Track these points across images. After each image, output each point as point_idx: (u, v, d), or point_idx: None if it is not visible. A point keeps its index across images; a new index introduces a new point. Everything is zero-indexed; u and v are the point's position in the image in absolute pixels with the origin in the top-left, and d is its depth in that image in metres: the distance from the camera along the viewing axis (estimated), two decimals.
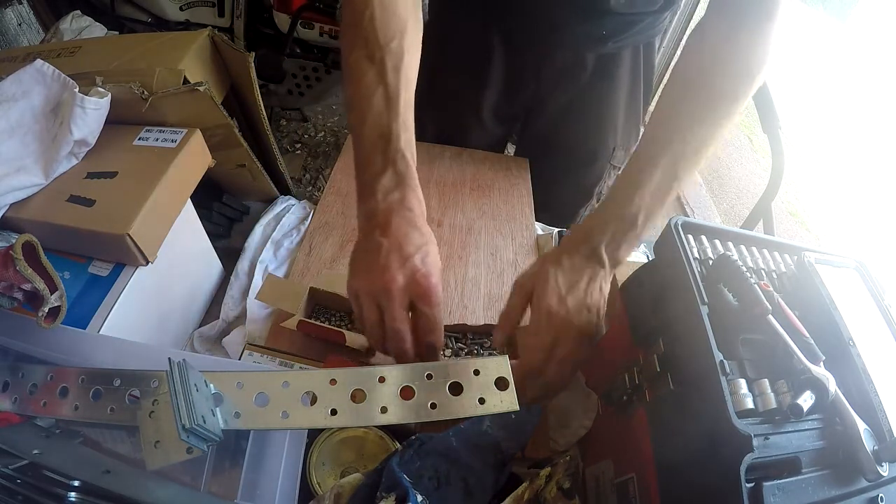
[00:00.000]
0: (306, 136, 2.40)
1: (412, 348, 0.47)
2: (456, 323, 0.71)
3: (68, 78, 0.62)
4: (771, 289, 0.45)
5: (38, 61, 0.62)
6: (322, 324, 0.67)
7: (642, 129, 0.96)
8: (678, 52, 2.68)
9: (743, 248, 0.53)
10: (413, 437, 0.48)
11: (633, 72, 0.89)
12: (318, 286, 0.68)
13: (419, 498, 0.42)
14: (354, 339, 0.63)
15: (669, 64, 2.87)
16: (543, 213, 0.97)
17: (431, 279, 0.47)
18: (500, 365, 0.44)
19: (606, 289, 0.52)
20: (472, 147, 1.03)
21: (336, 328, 0.66)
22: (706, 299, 0.44)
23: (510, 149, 1.16)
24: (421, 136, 1.02)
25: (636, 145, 0.52)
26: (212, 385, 0.41)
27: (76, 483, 0.35)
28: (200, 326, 0.74)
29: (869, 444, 0.39)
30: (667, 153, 0.51)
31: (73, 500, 0.35)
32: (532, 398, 0.50)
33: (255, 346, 0.64)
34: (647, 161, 0.51)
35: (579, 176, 1.02)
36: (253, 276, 0.78)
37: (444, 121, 1.02)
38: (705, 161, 0.52)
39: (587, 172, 1.02)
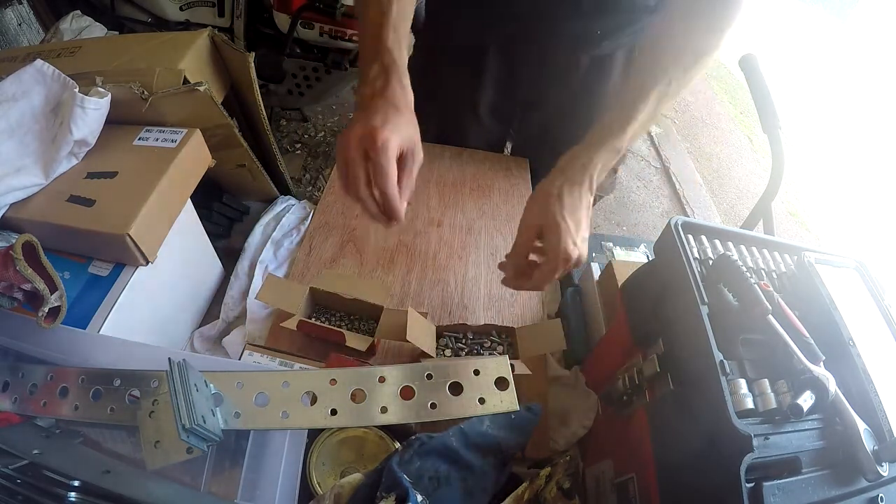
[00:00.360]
0: (306, 136, 2.40)
1: (396, 192, 0.51)
2: (456, 323, 0.71)
3: (68, 78, 0.62)
4: (771, 289, 0.45)
5: (38, 61, 0.62)
6: (322, 324, 0.67)
7: None
8: None
9: (743, 248, 0.53)
10: (413, 437, 0.47)
11: (626, 73, 0.89)
12: (318, 286, 0.68)
13: (419, 498, 0.42)
14: (354, 339, 0.63)
15: None
16: None
17: (385, 132, 0.50)
18: (500, 365, 0.44)
19: (589, 196, 0.58)
20: (471, 145, 1.04)
21: (336, 328, 0.66)
22: (706, 299, 0.44)
23: (508, 148, 1.16)
24: (422, 135, 1.03)
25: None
26: (212, 385, 0.41)
27: (76, 483, 0.35)
28: (200, 326, 0.74)
29: (869, 444, 0.39)
30: (655, 91, 0.56)
31: (73, 500, 0.35)
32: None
33: (255, 346, 0.64)
34: (637, 97, 0.56)
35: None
36: (253, 276, 0.78)
37: (443, 119, 1.02)
38: (681, 94, 0.59)
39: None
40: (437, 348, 0.66)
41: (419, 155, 0.56)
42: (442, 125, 1.03)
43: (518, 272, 0.58)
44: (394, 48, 0.56)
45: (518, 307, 0.78)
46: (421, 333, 0.62)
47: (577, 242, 0.54)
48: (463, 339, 0.69)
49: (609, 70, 0.87)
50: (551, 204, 0.55)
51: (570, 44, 0.83)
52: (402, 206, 0.52)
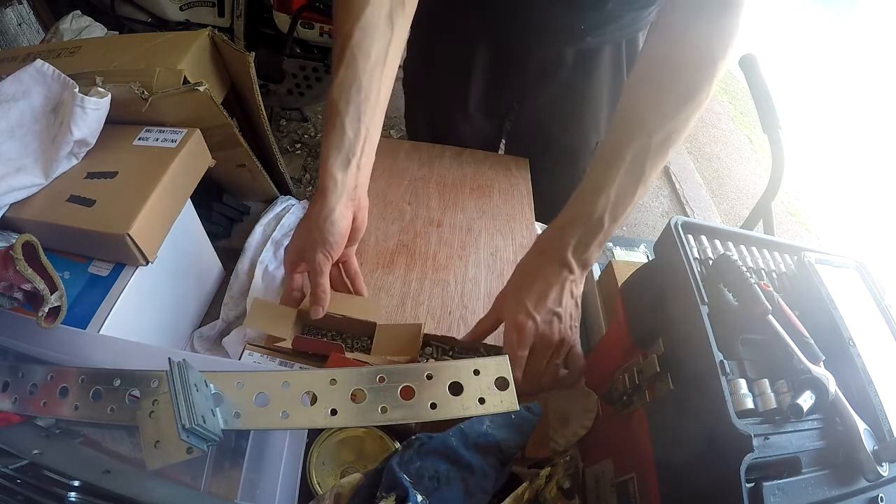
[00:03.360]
0: (306, 136, 2.40)
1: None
2: (444, 335, 0.69)
3: (68, 78, 0.62)
4: (771, 289, 0.45)
5: (38, 61, 0.62)
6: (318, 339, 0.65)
7: None
8: None
9: (743, 248, 0.53)
10: (413, 437, 0.47)
11: (614, 68, 0.89)
12: (306, 307, 0.67)
13: (419, 498, 0.42)
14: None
15: None
16: None
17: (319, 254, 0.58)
18: (501, 365, 0.44)
19: (578, 291, 0.53)
20: (464, 143, 1.04)
21: (333, 341, 0.65)
22: (706, 299, 0.44)
23: (503, 146, 1.17)
24: (414, 133, 1.03)
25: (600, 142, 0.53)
26: (212, 385, 0.41)
27: (76, 483, 0.35)
28: (200, 326, 0.74)
29: (869, 444, 0.39)
30: (630, 149, 0.50)
31: (73, 500, 0.35)
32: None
33: (255, 345, 0.64)
34: (611, 159, 0.51)
35: (564, 172, 1.03)
36: (253, 276, 0.78)
37: (435, 118, 1.03)
38: (673, 152, 0.52)
39: (571, 168, 1.02)
40: (421, 356, 0.66)
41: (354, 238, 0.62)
42: (434, 124, 1.03)
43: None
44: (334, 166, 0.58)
45: None
46: (392, 344, 0.62)
47: (535, 315, 0.50)
48: (450, 350, 0.69)
49: (595, 65, 0.87)
50: (513, 283, 0.53)
51: (553, 38, 0.83)
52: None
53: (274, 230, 0.85)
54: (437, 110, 1.01)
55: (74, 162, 0.62)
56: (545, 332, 0.51)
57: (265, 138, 0.85)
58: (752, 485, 0.36)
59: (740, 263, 0.46)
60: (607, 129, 0.55)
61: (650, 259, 0.60)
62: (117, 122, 0.64)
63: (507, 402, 0.42)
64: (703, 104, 0.51)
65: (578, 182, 1.04)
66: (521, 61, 0.88)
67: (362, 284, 0.63)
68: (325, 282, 0.57)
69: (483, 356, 0.66)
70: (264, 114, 0.81)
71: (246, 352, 0.63)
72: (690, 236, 0.51)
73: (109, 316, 0.56)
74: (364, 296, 0.64)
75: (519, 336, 0.50)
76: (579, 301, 0.54)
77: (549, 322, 0.51)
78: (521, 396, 0.48)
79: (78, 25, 1.06)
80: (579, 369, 0.53)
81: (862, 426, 0.40)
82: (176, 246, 0.64)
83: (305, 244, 0.58)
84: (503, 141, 1.12)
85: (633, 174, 0.50)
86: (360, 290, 0.63)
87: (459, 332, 0.72)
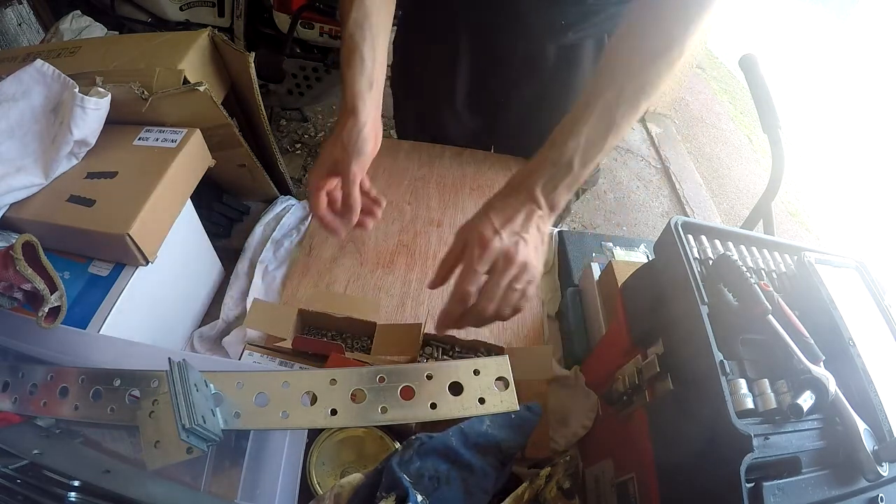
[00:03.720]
0: (306, 136, 2.40)
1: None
2: (445, 334, 0.70)
3: (68, 78, 0.62)
4: (771, 289, 0.45)
5: (38, 61, 0.62)
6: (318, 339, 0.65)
7: None
8: None
9: (743, 248, 0.53)
10: (413, 437, 0.47)
11: (597, 63, 0.89)
12: (307, 307, 0.67)
13: (419, 498, 0.42)
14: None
15: None
16: None
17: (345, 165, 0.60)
18: (501, 365, 0.44)
19: (545, 228, 0.53)
20: (452, 138, 1.04)
21: (332, 341, 0.65)
22: (706, 299, 0.44)
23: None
24: (403, 133, 1.04)
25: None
26: (212, 385, 0.41)
27: (76, 483, 0.35)
28: (200, 326, 0.74)
29: (869, 444, 0.39)
30: (602, 98, 0.52)
31: (73, 500, 0.35)
32: (467, 324, 0.50)
33: (255, 345, 0.64)
34: (583, 107, 0.53)
35: None
36: (253, 276, 0.78)
37: (422, 114, 1.04)
38: (645, 106, 0.54)
39: None
40: (422, 356, 0.66)
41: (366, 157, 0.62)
42: (422, 120, 1.04)
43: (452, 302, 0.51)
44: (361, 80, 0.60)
45: None
46: (392, 344, 0.62)
47: (501, 232, 0.49)
48: (450, 350, 0.69)
49: (578, 60, 0.87)
50: (478, 213, 0.52)
51: (535, 33, 0.84)
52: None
53: (274, 230, 0.85)
54: (425, 109, 1.01)
55: (74, 162, 0.62)
56: (509, 250, 0.49)
57: (265, 138, 0.85)
58: (752, 485, 0.36)
59: (740, 263, 0.46)
60: (587, 80, 0.56)
61: (650, 259, 0.60)
62: (117, 122, 0.64)
63: (507, 402, 0.42)
64: (676, 62, 0.52)
65: None
66: (505, 57, 0.89)
67: (379, 197, 0.65)
68: (357, 192, 0.61)
69: (483, 356, 0.66)
70: (264, 114, 0.81)
71: (246, 352, 0.63)
72: (690, 236, 0.51)
73: (109, 316, 0.56)
74: (381, 206, 0.65)
75: (481, 250, 0.49)
76: (545, 240, 0.53)
77: (515, 242, 0.50)
78: (474, 322, 0.48)
79: (78, 25, 1.06)
80: (522, 305, 0.51)
81: (862, 426, 0.40)
82: (176, 246, 0.64)
83: (339, 158, 0.61)
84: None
85: (604, 122, 0.52)
86: (379, 201, 0.65)
87: (459, 333, 0.72)
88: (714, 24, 2.75)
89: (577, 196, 1.10)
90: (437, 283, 0.53)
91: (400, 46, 0.97)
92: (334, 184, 0.63)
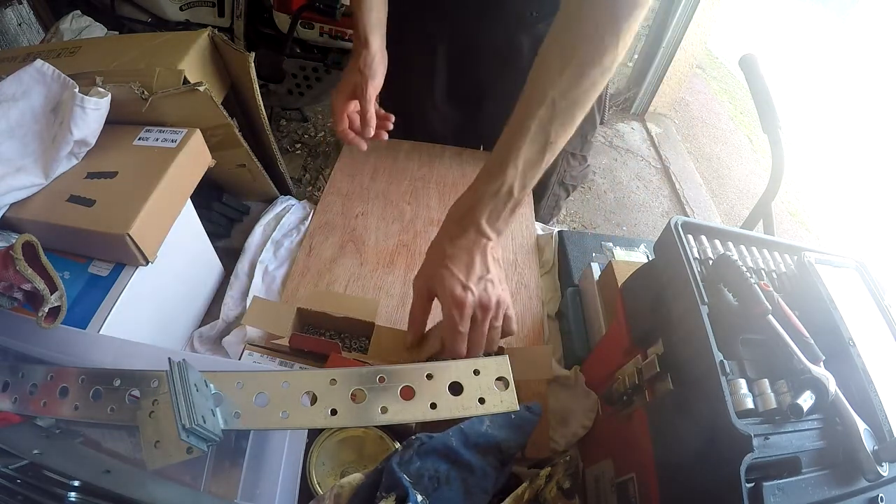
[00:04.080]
0: (306, 136, 2.40)
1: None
2: None
3: (68, 78, 0.62)
4: (771, 289, 0.45)
5: (38, 61, 0.62)
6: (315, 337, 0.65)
7: (597, 113, 0.97)
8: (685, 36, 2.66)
9: (743, 248, 0.53)
10: (413, 437, 0.47)
11: None
12: (305, 306, 0.67)
13: (419, 498, 0.42)
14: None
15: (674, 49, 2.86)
16: None
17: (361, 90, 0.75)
18: (501, 365, 0.44)
19: (498, 255, 0.55)
20: (438, 134, 1.04)
21: (330, 340, 0.65)
22: (706, 299, 0.44)
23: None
24: (391, 133, 1.05)
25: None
26: (212, 385, 0.41)
27: (76, 483, 0.35)
28: (200, 326, 0.74)
29: (869, 444, 0.39)
30: (535, 118, 0.51)
31: (73, 500, 0.35)
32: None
33: (255, 345, 0.64)
34: (517, 130, 0.52)
35: None
36: (253, 276, 0.78)
37: (405, 110, 1.04)
38: (580, 118, 0.52)
39: None
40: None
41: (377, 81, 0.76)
42: (406, 117, 1.05)
43: (423, 344, 0.55)
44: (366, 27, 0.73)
45: (518, 307, 0.78)
46: (390, 350, 0.62)
47: (470, 285, 0.51)
48: None
49: None
50: (433, 260, 0.53)
51: (506, 25, 0.84)
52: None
53: (274, 230, 0.85)
54: (406, 104, 1.02)
55: (74, 162, 0.62)
56: (483, 300, 0.52)
57: (265, 138, 0.85)
58: (752, 485, 0.36)
59: (740, 263, 0.46)
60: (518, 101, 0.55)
61: (650, 259, 0.60)
62: (117, 122, 0.64)
63: (507, 402, 0.42)
64: (609, 70, 0.51)
65: (549, 174, 1.05)
66: (481, 50, 0.89)
67: (389, 115, 0.79)
68: (373, 109, 0.74)
69: (483, 356, 0.66)
70: (264, 114, 0.81)
71: (246, 352, 0.63)
72: (690, 236, 0.51)
73: (109, 316, 0.56)
74: (391, 121, 0.79)
75: (460, 311, 0.51)
76: (501, 263, 0.56)
77: (485, 289, 0.52)
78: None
79: (78, 25, 1.06)
80: (513, 330, 0.56)
81: (862, 426, 0.40)
82: (176, 246, 0.64)
83: (357, 82, 0.73)
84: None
85: (538, 142, 0.51)
86: (390, 117, 0.79)
87: None
88: (714, 24, 2.75)
89: (568, 192, 1.10)
90: (414, 341, 0.56)
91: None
92: (353, 107, 0.76)
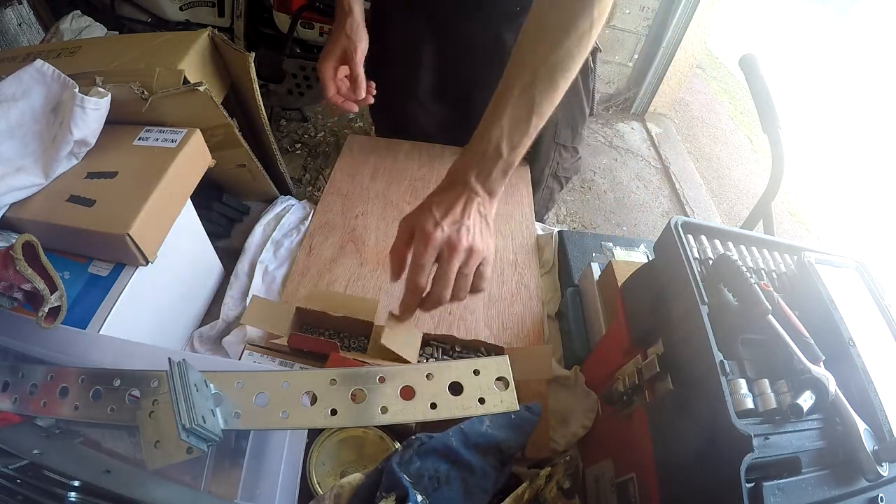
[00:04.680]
0: (306, 136, 2.40)
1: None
2: (446, 333, 0.70)
3: (68, 78, 0.62)
4: (771, 289, 0.45)
5: (38, 61, 0.62)
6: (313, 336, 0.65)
7: (585, 103, 0.99)
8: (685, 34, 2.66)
9: (743, 248, 0.53)
10: (413, 437, 0.48)
11: None
12: (305, 305, 0.67)
13: (419, 498, 0.42)
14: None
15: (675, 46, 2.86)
16: None
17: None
18: (501, 365, 0.44)
19: (487, 211, 0.55)
20: (424, 130, 1.05)
21: (328, 340, 0.65)
22: (706, 299, 0.44)
23: None
24: (379, 129, 1.06)
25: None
26: (212, 385, 0.41)
27: (76, 483, 0.35)
28: (200, 326, 0.74)
29: (869, 444, 0.39)
30: (518, 83, 0.53)
31: (73, 500, 0.35)
32: (428, 309, 0.54)
33: (255, 345, 0.64)
34: (501, 95, 0.54)
35: (530, 162, 1.03)
36: (253, 276, 0.78)
37: (391, 109, 1.05)
38: (566, 81, 0.54)
39: (534, 156, 1.02)
40: (422, 355, 0.66)
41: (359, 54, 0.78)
42: (392, 115, 1.06)
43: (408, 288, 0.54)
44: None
45: (518, 307, 0.78)
46: (401, 339, 0.62)
47: (443, 224, 0.51)
48: (450, 350, 0.69)
49: None
50: (420, 206, 0.54)
51: (491, 21, 0.85)
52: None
53: (274, 230, 0.85)
54: (392, 103, 1.02)
55: (74, 162, 0.62)
56: (452, 239, 0.51)
57: (265, 138, 0.85)
58: (752, 485, 0.36)
59: (740, 263, 0.46)
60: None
61: (650, 259, 0.60)
62: (117, 122, 0.64)
63: (507, 402, 0.42)
64: (588, 34, 0.53)
65: (543, 167, 1.06)
66: (466, 46, 0.90)
67: (371, 83, 0.80)
68: (363, 71, 0.77)
69: (483, 356, 0.66)
70: (264, 114, 0.81)
71: (246, 352, 0.63)
72: (690, 236, 0.51)
73: (109, 316, 0.56)
74: (374, 88, 0.80)
75: (425, 243, 0.51)
76: (491, 224, 0.55)
77: (458, 231, 0.52)
78: (433, 306, 0.52)
79: (78, 25, 1.06)
80: (482, 287, 0.56)
81: (862, 426, 0.40)
82: (176, 246, 0.64)
83: (345, 45, 0.76)
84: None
85: (524, 104, 0.53)
86: (373, 84, 0.79)
87: (459, 332, 0.72)
88: (714, 24, 2.75)
89: (562, 185, 1.10)
90: (394, 275, 0.56)
91: (372, 38, 1.00)
92: (341, 73, 0.78)
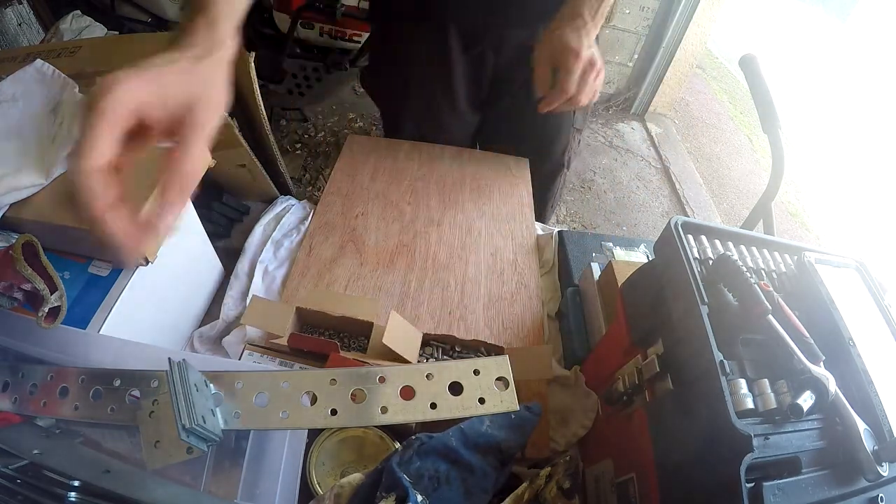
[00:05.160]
0: (306, 136, 2.40)
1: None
2: (446, 333, 0.70)
3: (68, 78, 0.62)
4: (771, 289, 0.45)
5: (38, 61, 0.62)
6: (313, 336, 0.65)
7: None
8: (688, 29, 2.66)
9: (743, 248, 0.53)
10: (413, 437, 0.47)
11: None
12: (305, 305, 0.67)
13: (419, 498, 0.42)
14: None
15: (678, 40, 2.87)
16: None
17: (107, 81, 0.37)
18: (501, 365, 0.44)
19: (594, 38, 0.73)
20: (454, 138, 1.05)
21: (329, 339, 0.65)
22: (706, 299, 0.44)
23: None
24: (401, 134, 1.04)
25: None
26: (212, 385, 0.41)
27: (76, 483, 0.35)
28: (200, 326, 0.74)
29: (869, 444, 0.39)
30: None
31: (73, 500, 0.35)
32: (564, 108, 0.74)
33: (255, 345, 0.64)
34: None
35: (548, 148, 1.05)
36: (253, 276, 0.78)
37: (421, 118, 1.04)
38: None
39: (555, 143, 1.04)
40: (422, 355, 0.66)
41: (201, 118, 0.39)
42: (420, 124, 1.04)
43: (551, 95, 0.72)
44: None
45: (518, 307, 0.78)
46: (401, 339, 0.62)
47: (585, 47, 0.69)
48: (450, 350, 0.69)
49: None
50: (556, 36, 0.71)
51: (529, 19, 0.86)
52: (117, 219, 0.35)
53: (274, 230, 0.85)
54: (423, 111, 1.01)
55: None
56: (593, 57, 0.71)
57: (265, 138, 0.85)
58: (752, 485, 0.36)
59: (740, 263, 0.46)
60: None
61: (650, 259, 0.60)
62: None
63: (507, 402, 0.42)
64: None
65: (562, 153, 1.09)
66: (497, 46, 0.90)
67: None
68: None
69: (483, 356, 0.66)
70: (264, 114, 0.81)
71: (246, 352, 0.63)
72: (690, 236, 0.51)
73: (109, 316, 0.56)
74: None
75: (576, 59, 0.69)
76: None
77: (593, 52, 0.71)
78: (569, 105, 0.74)
79: (78, 25, 1.06)
80: (597, 91, 0.75)
81: (862, 426, 0.40)
82: (176, 246, 0.64)
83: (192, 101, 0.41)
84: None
85: None
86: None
87: (459, 332, 0.72)
88: (714, 24, 2.75)
89: (569, 168, 1.13)
90: (542, 88, 0.73)
91: (382, 54, 0.99)
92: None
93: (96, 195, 0.34)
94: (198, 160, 0.40)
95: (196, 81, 0.40)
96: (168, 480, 0.42)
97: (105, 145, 0.33)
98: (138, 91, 0.36)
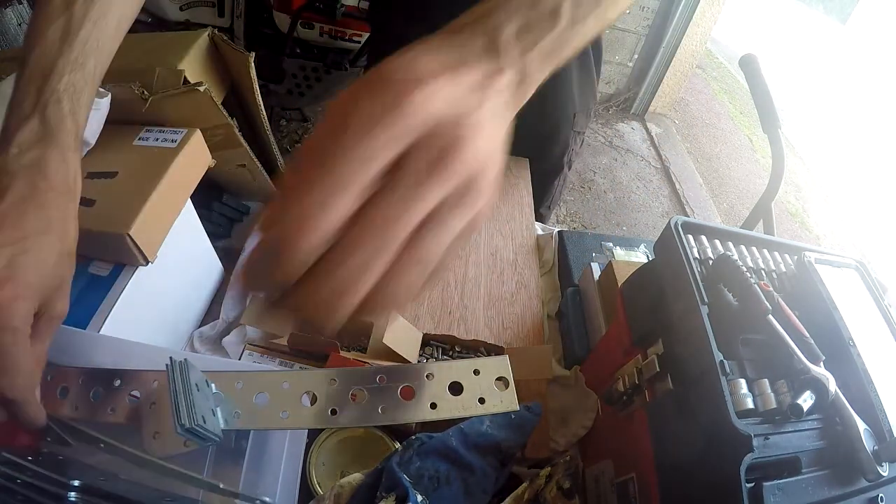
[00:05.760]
0: (306, 136, 2.40)
1: None
2: (446, 333, 0.70)
3: None
4: (771, 289, 0.45)
5: None
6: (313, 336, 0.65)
7: (595, 88, 1.01)
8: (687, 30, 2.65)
9: (743, 248, 0.53)
10: (413, 437, 0.48)
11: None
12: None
13: (419, 498, 0.42)
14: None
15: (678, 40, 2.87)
16: None
17: (6, 291, 0.32)
18: (501, 365, 0.44)
19: (510, 111, 0.27)
20: None
21: (329, 339, 0.65)
22: (706, 299, 0.44)
23: None
24: None
25: None
26: (213, 385, 0.41)
27: (76, 483, 0.35)
28: (200, 326, 0.74)
29: (869, 444, 0.39)
30: None
31: (73, 500, 0.35)
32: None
33: (255, 345, 0.64)
34: None
35: (547, 150, 1.04)
36: None
37: None
38: None
39: (554, 145, 1.04)
40: (422, 355, 0.66)
41: (59, 307, 0.37)
42: None
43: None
44: (66, 94, 0.37)
45: (518, 307, 0.78)
46: (401, 339, 0.61)
47: (440, 95, 0.23)
48: (450, 350, 0.69)
49: None
50: (388, 63, 0.27)
51: None
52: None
53: None
54: None
55: None
56: (449, 130, 0.23)
57: (265, 138, 0.85)
58: (752, 485, 0.36)
59: (740, 263, 0.46)
60: None
61: (650, 259, 0.60)
62: (117, 122, 0.64)
63: (507, 402, 0.42)
64: None
65: (562, 155, 1.07)
66: None
67: None
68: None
69: (483, 356, 0.66)
70: (264, 114, 0.81)
71: (246, 352, 0.63)
72: (690, 236, 0.51)
73: (109, 316, 0.56)
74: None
75: (389, 113, 0.23)
76: (507, 128, 0.27)
77: (463, 116, 0.23)
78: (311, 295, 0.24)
79: None
80: (453, 256, 0.28)
81: (862, 426, 0.40)
82: (176, 246, 0.64)
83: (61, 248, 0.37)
84: None
85: None
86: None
87: (459, 332, 0.72)
88: (714, 24, 2.75)
89: (569, 168, 1.11)
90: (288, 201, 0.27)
91: (382, 48, 0.98)
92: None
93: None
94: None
95: None
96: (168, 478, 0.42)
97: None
98: None
